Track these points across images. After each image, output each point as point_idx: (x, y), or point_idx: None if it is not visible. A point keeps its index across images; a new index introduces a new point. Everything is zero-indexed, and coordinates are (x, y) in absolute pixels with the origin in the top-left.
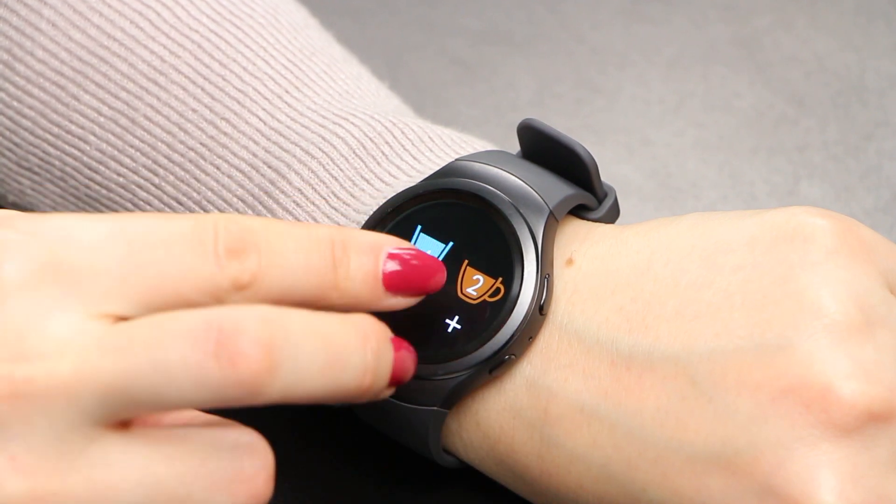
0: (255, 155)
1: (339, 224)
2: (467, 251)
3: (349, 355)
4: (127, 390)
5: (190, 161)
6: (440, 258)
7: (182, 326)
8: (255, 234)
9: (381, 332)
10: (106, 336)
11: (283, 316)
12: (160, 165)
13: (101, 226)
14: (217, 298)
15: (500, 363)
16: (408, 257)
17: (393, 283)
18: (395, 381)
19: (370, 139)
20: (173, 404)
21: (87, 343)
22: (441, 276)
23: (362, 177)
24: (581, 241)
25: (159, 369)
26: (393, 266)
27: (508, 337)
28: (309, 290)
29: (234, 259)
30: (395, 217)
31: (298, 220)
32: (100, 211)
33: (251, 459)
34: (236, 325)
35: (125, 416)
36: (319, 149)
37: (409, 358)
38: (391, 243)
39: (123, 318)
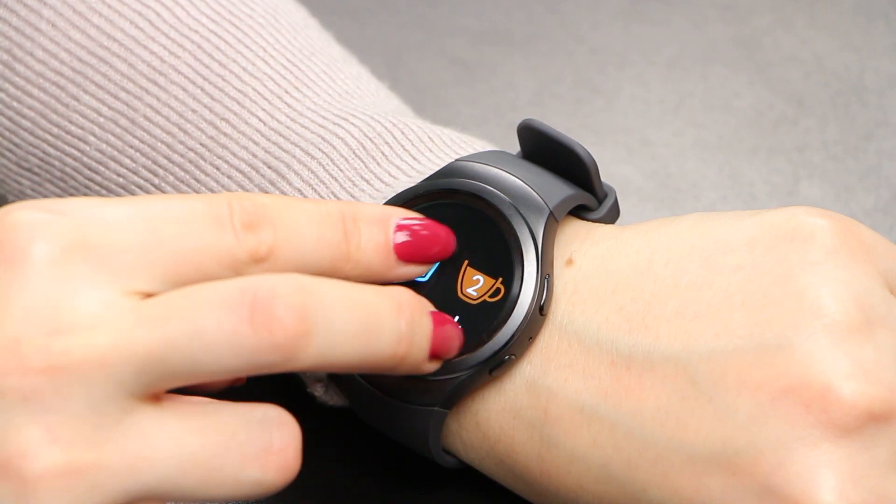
0: (254, 155)
1: None
2: (467, 251)
3: (383, 322)
4: (164, 360)
5: (190, 161)
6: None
7: (217, 295)
8: (268, 209)
9: (417, 304)
10: (140, 308)
11: (317, 284)
12: (160, 166)
13: (122, 207)
14: (237, 271)
15: (500, 363)
16: (417, 227)
17: (404, 252)
18: (436, 353)
19: (370, 139)
20: (210, 372)
21: (122, 315)
22: (451, 243)
23: (362, 177)
24: (581, 242)
25: (196, 337)
26: (402, 236)
27: (508, 337)
28: (323, 261)
29: (251, 232)
30: None
31: None
32: None
33: (280, 432)
34: (271, 291)
35: (161, 387)
36: (319, 149)
37: (452, 332)
38: (399, 214)
39: (150, 295)
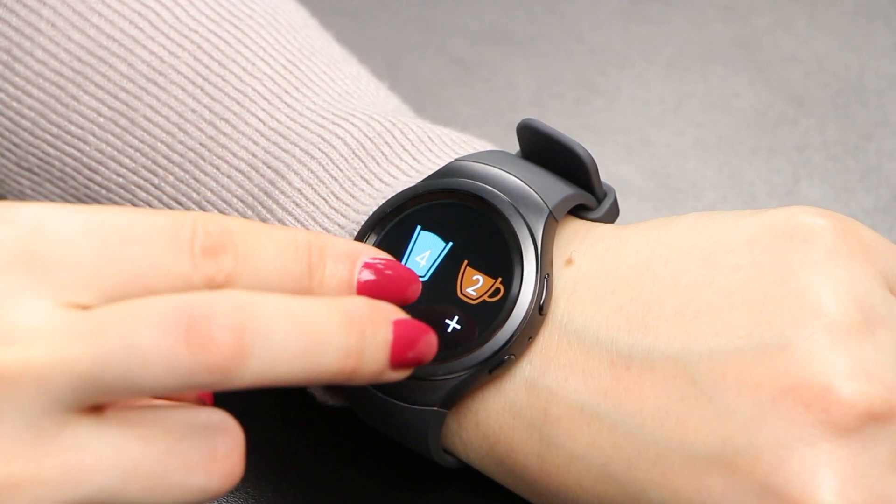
0: (254, 155)
1: (339, 224)
2: (467, 251)
3: (329, 338)
4: (99, 377)
5: (189, 161)
6: (440, 258)
7: (153, 312)
8: (233, 235)
9: (371, 315)
10: (77, 322)
11: (257, 300)
12: (160, 166)
13: (78, 217)
14: (188, 293)
15: (499, 363)
16: (382, 267)
17: (366, 292)
18: (399, 362)
19: (370, 139)
20: (146, 390)
21: (58, 329)
22: (416, 289)
23: (362, 177)
24: (580, 241)
25: (131, 355)
26: (368, 275)
27: (508, 337)
28: (280, 291)
29: (210, 258)
30: (394, 217)
31: (298, 220)
32: None
33: (224, 438)
34: (207, 310)
35: (98, 402)
36: (319, 149)
37: (422, 340)
38: (368, 252)
39: (90, 306)
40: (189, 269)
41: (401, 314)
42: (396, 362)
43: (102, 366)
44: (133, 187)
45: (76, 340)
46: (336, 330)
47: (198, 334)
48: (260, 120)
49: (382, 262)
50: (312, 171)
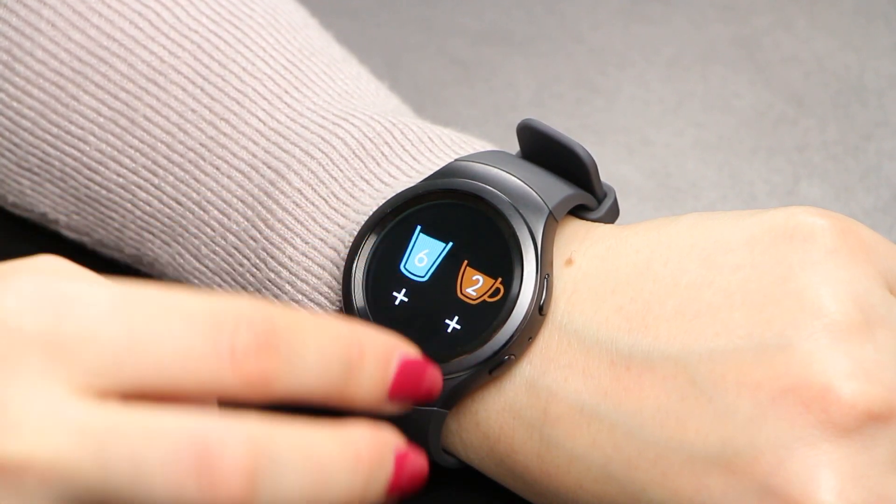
0: (254, 155)
1: (339, 224)
2: (467, 251)
3: (337, 475)
4: (101, 486)
5: (189, 161)
6: (440, 258)
7: (168, 436)
8: (278, 336)
9: (379, 450)
10: (88, 421)
11: (273, 435)
12: (160, 166)
13: (110, 296)
14: (219, 395)
15: (499, 363)
16: (415, 367)
17: (396, 392)
18: (394, 492)
19: (370, 139)
20: None
21: (67, 426)
22: (438, 387)
23: (362, 177)
24: (580, 241)
25: (138, 476)
26: (402, 375)
27: (508, 337)
28: (316, 395)
29: (251, 358)
30: (394, 217)
31: (298, 220)
32: (99, 211)
33: None
34: (222, 444)
35: None
36: (319, 149)
37: (418, 471)
38: (402, 351)
39: (108, 393)
40: (225, 367)
41: (397, 440)
42: (394, 490)
43: (106, 476)
44: (133, 187)
45: (84, 442)
46: (345, 468)
47: (209, 470)
48: (260, 120)
49: (414, 361)
50: (312, 172)
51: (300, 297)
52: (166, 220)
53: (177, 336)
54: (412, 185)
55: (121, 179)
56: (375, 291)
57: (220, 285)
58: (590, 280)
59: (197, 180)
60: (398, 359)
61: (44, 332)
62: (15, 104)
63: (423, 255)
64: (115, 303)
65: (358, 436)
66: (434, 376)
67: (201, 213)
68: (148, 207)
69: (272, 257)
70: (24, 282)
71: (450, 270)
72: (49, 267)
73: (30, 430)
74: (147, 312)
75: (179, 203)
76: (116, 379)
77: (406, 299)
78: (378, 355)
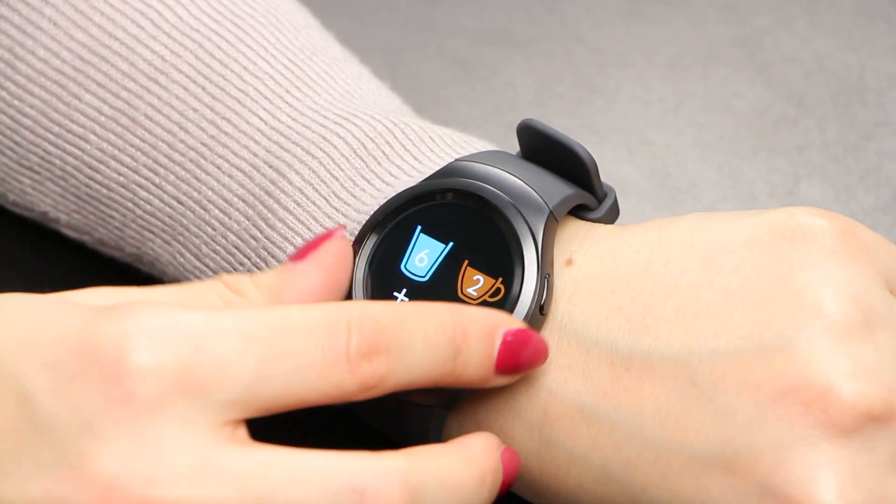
0: (255, 155)
1: (338, 223)
2: (467, 251)
3: (470, 495)
4: None
5: (190, 161)
6: (440, 258)
7: (325, 478)
8: (387, 333)
9: (494, 458)
10: (241, 468)
11: (416, 468)
12: (161, 165)
13: (235, 324)
14: (339, 399)
15: None
16: (518, 339)
17: (503, 365)
18: (503, 491)
19: (371, 139)
20: None
21: (221, 475)
22: (546, 352)
23: (363, 177)
24: (581, 241)
25: None
26: (506, 349)
27: None
28: (427, 381)
29: (365, 361)
30: (395, 217)
31: (299, 219)
32: (100, 210)
33: None
34: (378, 484)
35: None
36: (320, 149)
37: (513, 466)
38: (506, 323)
39: (240, 422)
40: (345, 375)
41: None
42: (503, 490)
43: None
44: (134, 186)
45: (241, 488)
46: (474, 486)
47: None
48: (261, 119)
49: (518, 333)
50: (313, 171)
51: None
52: (167, 219)
53: (300, 353)
54: (413, 184)
55: (121, 178)
56: (376, 291)
57: None
58: (590, 280)
59: (198, 179)
60: (501, 333)
61: (183, 370)
62: (16, 103)
63: (423, 255)
64: (242, 331)
65: (478, 452)
66: (538, 343)
67: (202, 212)
68: (148, 206)
69: (273, 256)
70: (146, 318)
71: (450, 270)
72: (139, 298)
73: (185, 479)
74: (270, 335)
75: (180, 202)
76: (251, 407)
77: (406, 299)
78: (482, 333)
